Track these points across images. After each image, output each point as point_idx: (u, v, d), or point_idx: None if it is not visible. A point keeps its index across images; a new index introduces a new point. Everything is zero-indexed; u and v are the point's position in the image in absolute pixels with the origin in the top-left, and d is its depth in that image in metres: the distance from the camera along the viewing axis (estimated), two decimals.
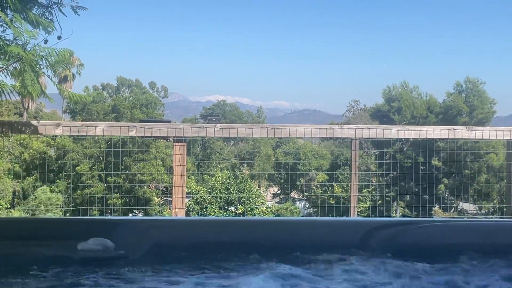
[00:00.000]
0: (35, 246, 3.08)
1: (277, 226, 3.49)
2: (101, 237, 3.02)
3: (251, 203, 23.51)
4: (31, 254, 3.03)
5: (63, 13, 5.28)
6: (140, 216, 22.64)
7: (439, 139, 5.77)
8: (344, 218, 5.74)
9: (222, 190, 23.69)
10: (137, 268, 2.90)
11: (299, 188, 34.80)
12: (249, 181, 25.38)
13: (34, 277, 2.75)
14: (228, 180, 24.27)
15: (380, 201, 23.99)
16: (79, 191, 23.59)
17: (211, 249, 3.10)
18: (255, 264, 2.92)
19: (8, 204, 23.46)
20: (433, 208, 26.68)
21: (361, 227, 3.25)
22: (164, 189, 29.34)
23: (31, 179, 25.45)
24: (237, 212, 23.10)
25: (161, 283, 2.74)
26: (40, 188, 23.97)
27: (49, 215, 22.17)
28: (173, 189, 5.41)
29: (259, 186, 32.82)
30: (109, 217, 7.94)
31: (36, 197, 23.48)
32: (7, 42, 5.01)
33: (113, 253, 3.00)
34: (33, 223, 3.67)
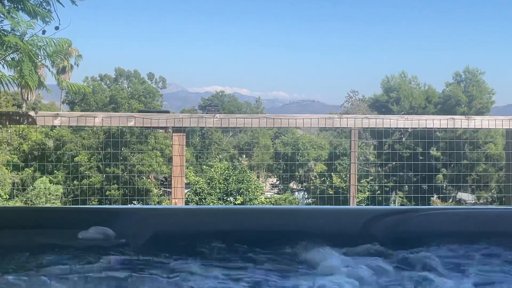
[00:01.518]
0: (35, 235, 3.08)
1: (277, 214, 3.49)
2: (102, 226, 3.03)
3: (250, 194, 23.53)
4: (31, 243, 3.03)
5: (61, 3, 5.26)
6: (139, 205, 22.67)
7: (439, 128, 5.77)
8: (345, 206, 5.74)
9: (221, 180, 23.70)
10: (138, 256, 2.91)
11: (298, 178, 34.84)
12: (248, 171, 25.38)
13: (34, 266, 2.75)
14: (227, 171, 24.27)
15: (378, 191, 24.01)
16: (76, 182, 23.59)
17: (212, 238, 3.10)
18: (254, 253, 2.92)
19: (7, 195, 23.46)
20: (432, 198, 26.74)
21: (362, 216, 3.25)
22: (163, 179, 29.36)
23: (30, 170, 25.45)
24: (236, 203, 23.13)
25: (162, 271, 2.75)
26: (39, 179, 23.98)
27: (48, 205, 22.19)
28: (172, 180, 5.41)
29: (258, 177, 32.82)
30: (110, 206, 7.95)
31: (35, 188, 23.49)
32: (5, 33, 4.98)
33: (114, 242, 3.00)
34: (33, 212, 3.66)
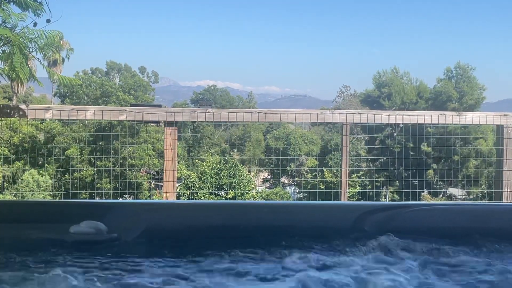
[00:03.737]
0: (27, 229, 3.08)
1: (270, 209, 3.50)
2: (94, 220, 3.03)
3: (241, 188, 23.55)
4: (23, 237, 3.02)
5: None
6: (131, 199, 22.64)
7: (430, 124, 5.79)
8: (338, 202, 5.75)
9: (212, 175, 23.70)
10: (130, 251, 2.91)
11: (290, 173, 34.88)
12: (239, 166, 25.39)
13: (25, 259, 2.75)
14: (218, 165, 24.27)
15: (369, 186, 24.10)
16: (67, 175, 23.48)
17: (205, 233, 3.10)
18: (249, 248, 2.93)
19: None
20: (422, 193, 26.87)
21: (355, 211, 3.26)
22: (155, 173, 29.30)
23: (20, 163, 25.31)
24: (227, 197, 23.13)
25: (155, 266, 2.75)
26: (29, 171, 23.86)
27: (39, 197, 22.16)
28: (164, 174, 5.40)
29: (249, 171, 32.84)
30: (102, 200, 7.94)
31: (23, 180, 23.39)
32: None
33: (106, 236, 3.00)
34: (25, 206, 3.65)
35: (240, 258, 2.82)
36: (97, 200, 7.92)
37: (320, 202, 5.94)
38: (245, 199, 22.63)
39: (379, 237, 2.95)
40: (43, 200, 13.55)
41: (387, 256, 2.84)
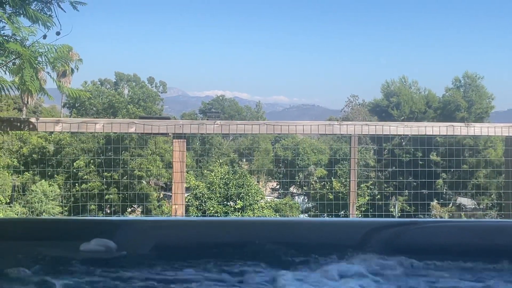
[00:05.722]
0: (37, 246, 3.08)
1: (278, 226, 3.50)
2: (104, 238, 3.03)
3: (250, 198, 23.48)
4: (33, 254, 3.03)
5: (62, 9, 5.27)
6: (139, 212, 22.68)
7: (438, 135, 5.77)
8: (346, 218, 5.73)
9: (221, 185, 23.66)
10: (140, 269, 2.91)
11: (298, 183, 34.80)
12: (248, 176, 25.34)
13: (36, 278, 2.75)
14: (227, 175, 24.23)
15: (378, 196, 23.99)
16: (77, 187, 23.58)
17: (214, 250, 3.10)
18: (256, 265, 2.92)
19: (8, 199, 23.45)
20: (431, 203, 26.72)
21: (363, 228, 3.25)
22: (164, 185, 29.32)
23: (30, 174, 25.45)
24: (236, 207, 23.08)
25: (164, 283, 2.75)
26: (39, 182, 23.98)
27: (48, 207, 22.23)
28: (173, 186, 5.41)
29: (258, 181, 32.79)
30: (112, 217, 7.96)
31: (33, 190, 23.50)
32: (6, 38, 4.99)
33: (116, 254, 3.01)
34: (35, 223, 3.67)
35: (247, 275, 2.81)
36: (107, 217, 7.94)
37: (327, 219, 5.92)
38: (253, 210, 22.59)
39: (386, 254, 2.94)
40: (52, 217, 13.63)
41: (394, 273, 2.83)
